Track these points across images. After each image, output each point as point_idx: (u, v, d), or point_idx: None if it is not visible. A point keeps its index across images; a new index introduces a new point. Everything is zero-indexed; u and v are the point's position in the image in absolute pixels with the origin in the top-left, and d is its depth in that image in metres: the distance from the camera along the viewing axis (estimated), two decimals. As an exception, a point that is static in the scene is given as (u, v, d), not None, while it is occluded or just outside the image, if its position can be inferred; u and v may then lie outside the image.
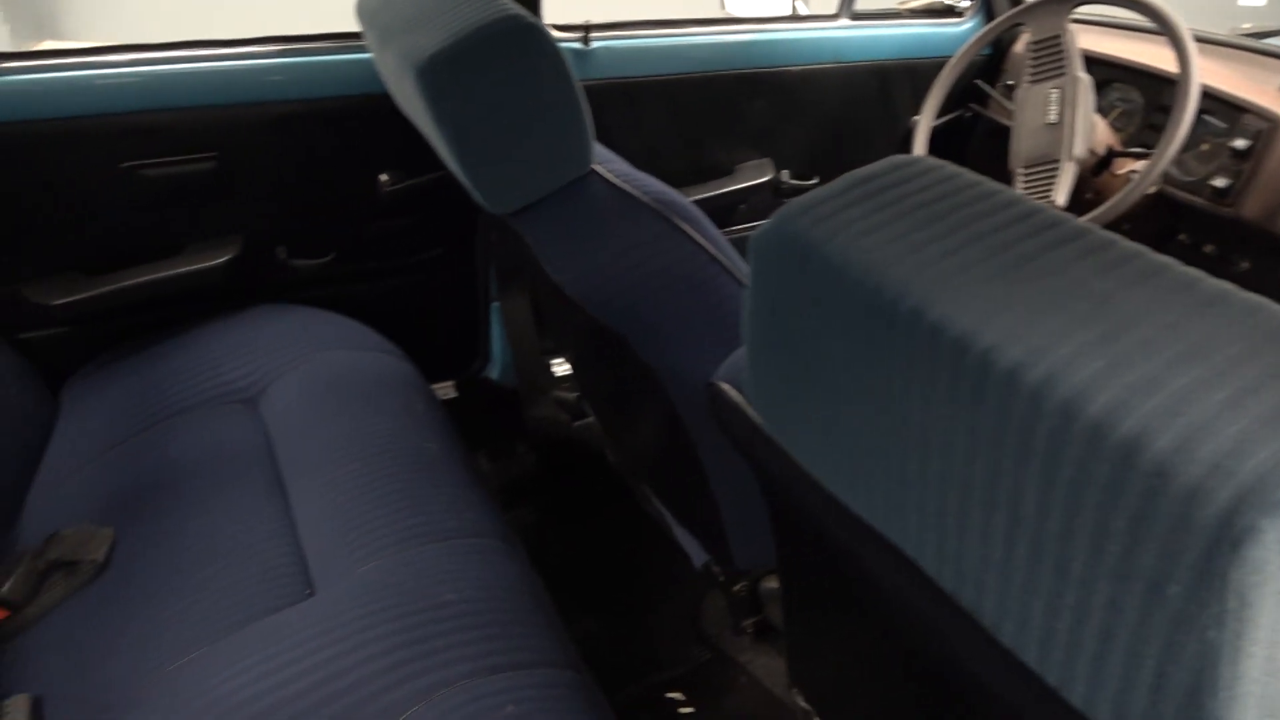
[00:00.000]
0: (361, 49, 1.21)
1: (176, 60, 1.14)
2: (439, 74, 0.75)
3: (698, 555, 1.10)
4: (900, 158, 0.45)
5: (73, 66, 1.09)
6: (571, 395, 1.45)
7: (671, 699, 1.11)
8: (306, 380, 1.11)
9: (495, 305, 1.44)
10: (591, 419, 1.43)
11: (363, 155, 1.24)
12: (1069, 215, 0.40)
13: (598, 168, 0.87)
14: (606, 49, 1.34)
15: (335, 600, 0.83)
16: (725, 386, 0.59)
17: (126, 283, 1.18)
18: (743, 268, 0.79)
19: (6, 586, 0.94)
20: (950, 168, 0.44)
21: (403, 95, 0.91)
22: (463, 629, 0.78)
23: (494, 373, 1.49)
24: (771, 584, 1.02)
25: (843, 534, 0.51)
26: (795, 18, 1.58)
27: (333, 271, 1.31)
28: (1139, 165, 1.34)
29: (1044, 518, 0.34)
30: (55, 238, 1.15)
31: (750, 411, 0.55)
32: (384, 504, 0.91)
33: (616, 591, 1.26)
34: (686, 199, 0.83)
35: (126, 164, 1.12)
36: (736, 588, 1.04)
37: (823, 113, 1.58)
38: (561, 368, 1.48)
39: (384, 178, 1.25)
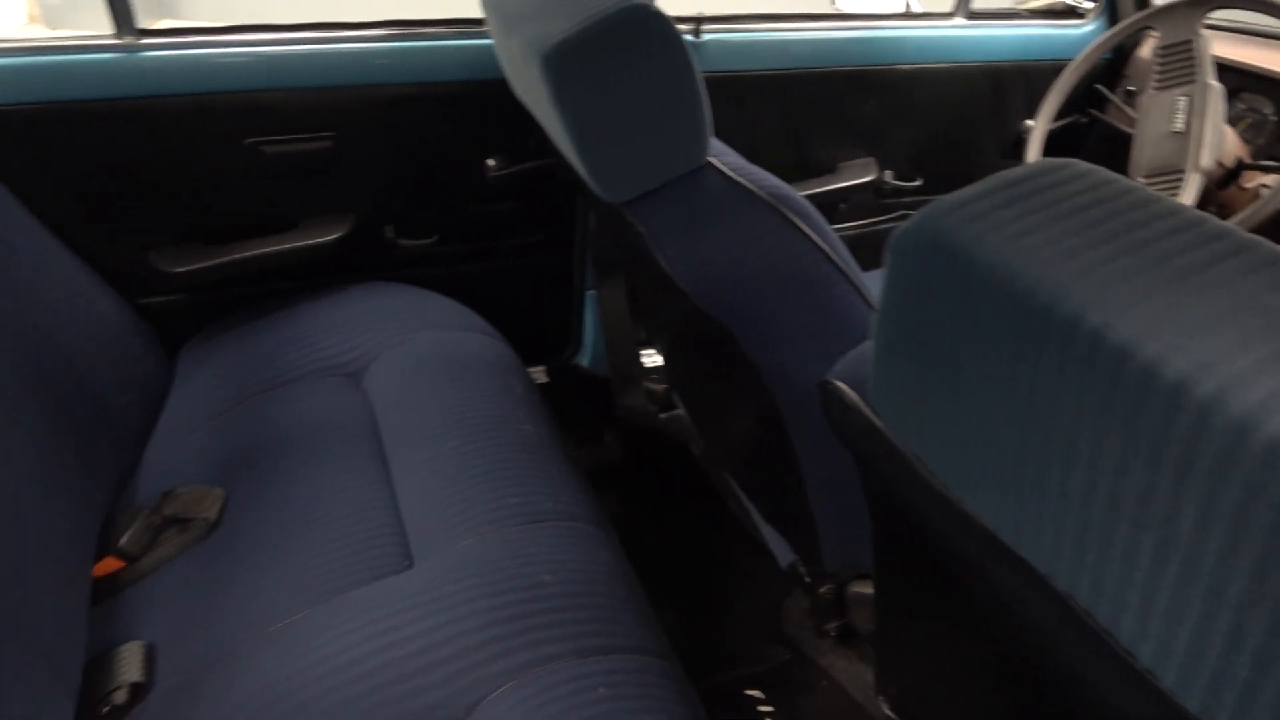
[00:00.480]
0: (474, 35, 1.23)
1: (297, 42, 1.17)
2: (565, 61, 0.76)
3: (784, 554, 1.09)
4: (1052, 160, 0.44)
5: (203, 45, 1.14)
6: (660, 387, 1.46)
7: (750, 695, 1.11)
8: (409, 357, 1.13)
9: (590, 293, 1.45)
10: (679, 411, 1.43)
11: (471, 139, 1.27)
12: (1234, 227, 0.39)
13: (713, 160, 0.87)
14: (717, 42, 1.34)
15: (434, 573, 0.85)
16: (841, 386, 0.58)
17: (243, 254, 1.22)
18: (855, 267, 0.78)
19: (124, 539, 0.99)
20: (1104, 173, 0.43)
21: (522, 81, 0.92)
22: (557, 610, 0.80)
23: (585, 360, 1.51)
24: (860, 588, 1.01)
25: (964, 543, 0.50)
26: (908, 15, 1.55)
27: (436, 252, 1.33)
28: (1270, 179, 1.28)
29: (1202, 539, 0.32)
30: (181, 208, 1.20)
31: (868, 413, 0.55)
32: (483, 482, 0.93)
33: (697, 585, 1.26)
34: (800, 194, 0.83)
35: (250, 140, 1.16)
36: (823, 589, 1.03)
37: (931, 114, 1.55)
38: (651, 359, 1.48)
39: (491, 162, 1.27)
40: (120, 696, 0.83)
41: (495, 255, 1.37)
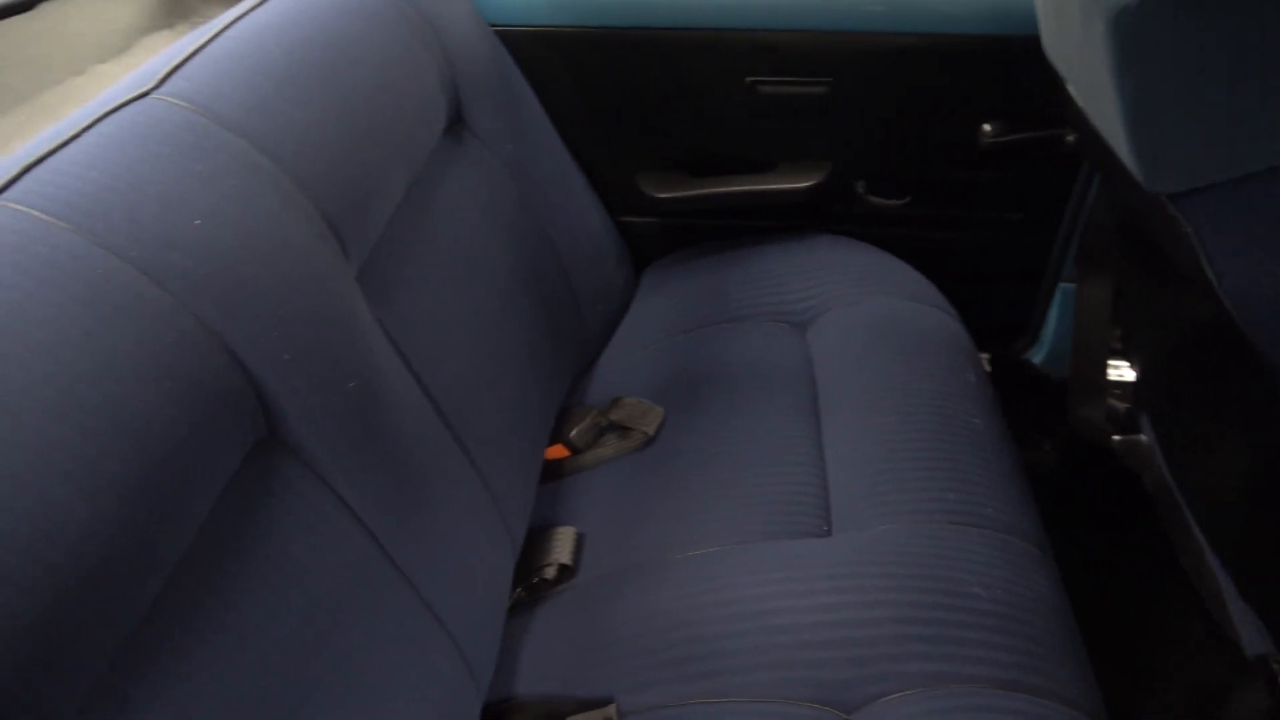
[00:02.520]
0: None
1: None
2: (1143, 23, 0.64)
3: (1255, 643, 0.90)
4: None
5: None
6: (1124, 405, 1.27)
7: (1173, 787, 0.95)
8: (860, 319, 1.10)
9: (1064, 286, 1.30)
10: (1141, 438, 1.24)
11: (969, 100, 1.17)
12: None
13: None
14: None
15: (854, 548, 0.81)
16: None
17: (720, 189, 1.26)
18: None
19: (574, 432, 1.08)
20: None
21: (1067, 40, 0.81)
22: (984, 629, 0.72)
23: (1037, 357, 1.37)
24: (1359, 714, 0.80)
25: None
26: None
27: (904, 214, 1.27)
28: None
29: None
30: (675, 138, 1.26)
31: None
32: (919, 468, 0.87)
33: (1121, 640, 1.10)
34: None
35: (750, 79, 1.18)
36: (1303, 700, 0.84)
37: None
38: (1119, 372, 1.30)
39: (987, 127, 1.17)
40: (550, 572, 0.92)
41: (967, 227, 1.28)
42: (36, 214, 0.52)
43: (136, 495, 0.48)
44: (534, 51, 1.18)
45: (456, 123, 1.01)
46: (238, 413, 0.57)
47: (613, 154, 1.28)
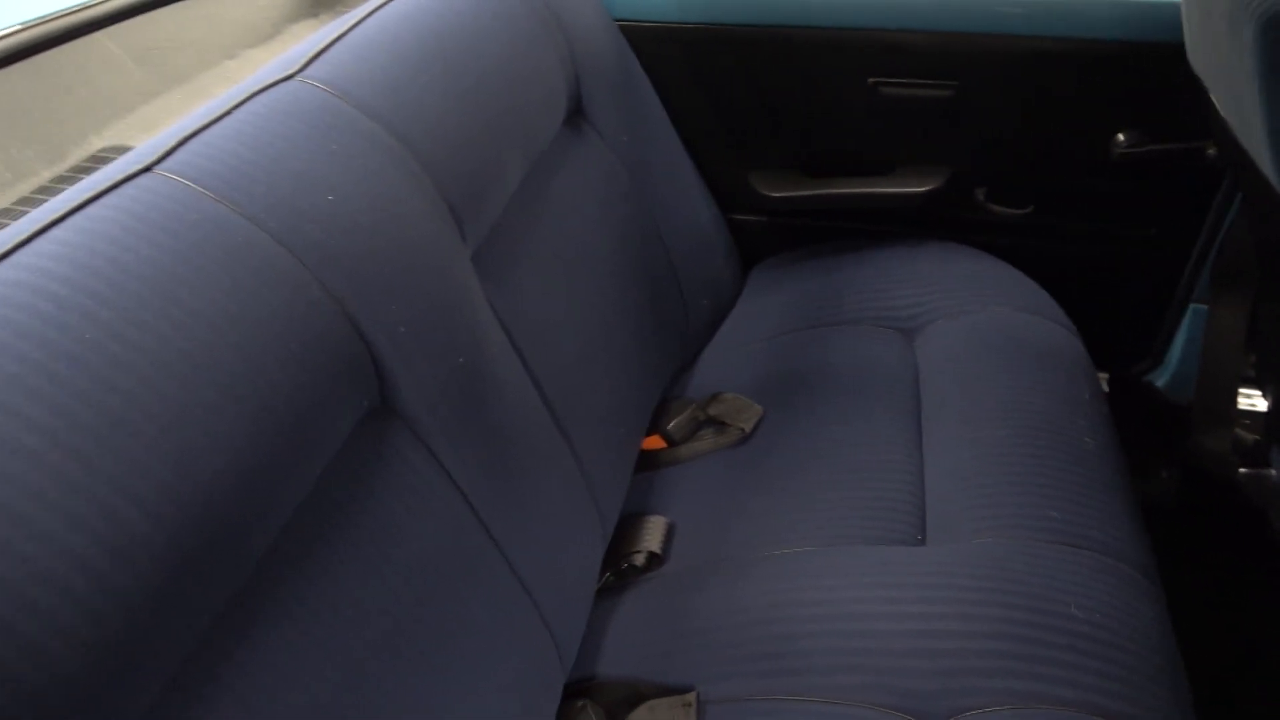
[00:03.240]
0: None
1: None
2: None
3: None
4: None
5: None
6: (1253, 437, 1.20)
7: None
8: (971, 328, 1.07)
9: (1194, 307, 1.23)
10: (1271, 472, 1.17)
11: (1103, 108, 1.13)
12: None
13: None
14: None
15: (948, 559, 0.80)
16: None
17: (835, 190, 1.25)
18: None
19: (671, 424, 1.09)
20: None
21: (1210, 46, 0.78)
22: (1078, 652, 0.70)
23: (1160, 380, 1.30)
24: None
25: None
26: None
27: (1026, 224, 1.23)
28: None
29: None
30: (791, 137, 1.26)
31: None
32: (1022, 483, 0.85)
33: (1228, 682, 1.05)
34: None
35: (873, 79, 1.17)
36: None
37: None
38: (1250, 402, 1.23)
39: (1121, 137, 1.12)
40: (639, 559, 0.94)
41: (1093, 240, 1.23)
42: (188, 183, 0.56)
43: (263, 452, 0.52)
44: (655, 46, 1.20)
45: (576, 114, 1.03)
46: (356, 380, 0.60)
47: (727, 151, 1.28)
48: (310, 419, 0.56)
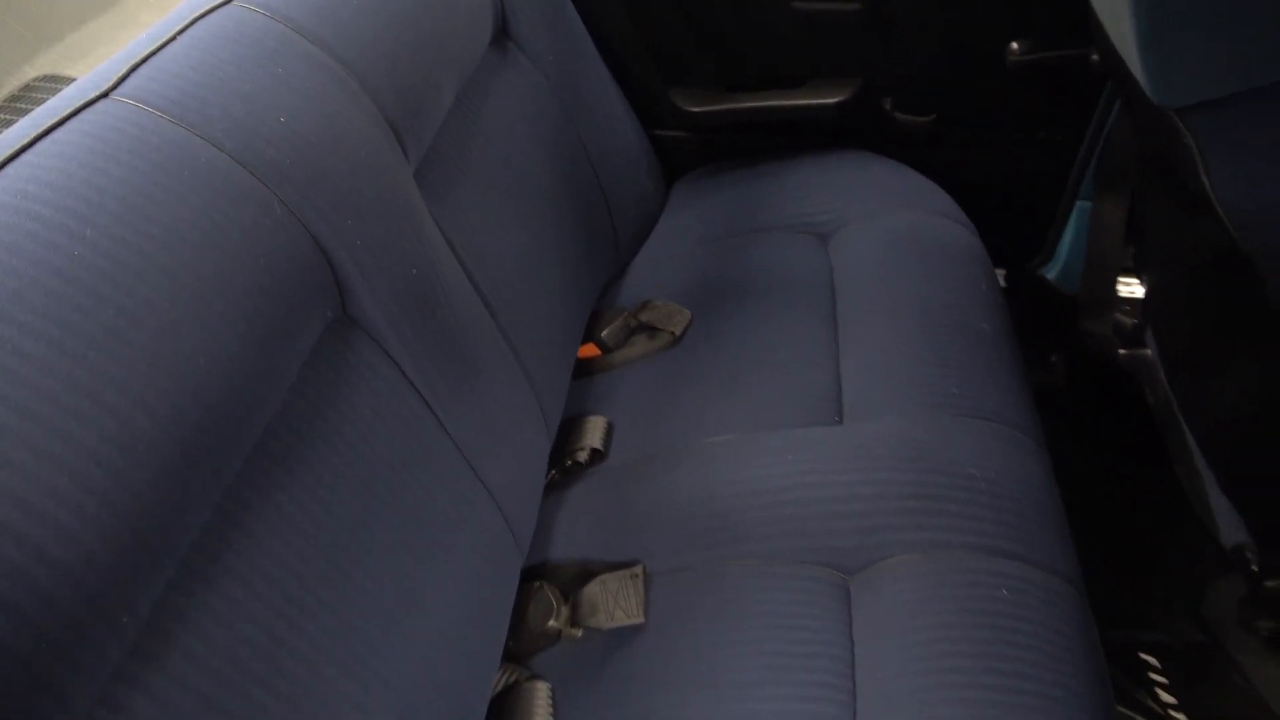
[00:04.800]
0: None
1: None
2: None
3: (1232, 533, 0.98)
4: None
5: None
6: (1131, 321, 1.33)
7: (1146, 661, 1.03)
8: (880, 231, 1.15)
9: (1079, 205, 1.34)
10: (1146, 352, 1.30)
11: (1001, 18, 1.20)
12: None
13: None
14: None
15: (863, 435, 0.89)
16: None
17: (753, 104, 1.30)
18: None
19: (605, 331, 1.16)
20: None
21: None
22: (976, 504, 0.80)
23: (1052, 273, 1.42)
24: (1321, 599, 0.88)
25: None
26: None
27: (928, 131, 1.31)
28: None
29: None
30: (711, 53, 1.30)
31: None
32: (928, 366, 0.94)
33: (1114, 536, 1.18)
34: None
35: None
36: (1270, 584, 0.92)
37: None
38: (1130, 289, 1.35)
39: (1015, 45, 1.20)
40: (582, 455, 1.01)
41: (989, 145, 1.31)
42: (146, 108, 0.59)
43: (242, 358, 0.56)
44: None
45: (502, 34, 1.06)
46: (319, 291, 0.65)
47: (649, 68, 1.32)
48: (281, 328, 0.60)
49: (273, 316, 0.59)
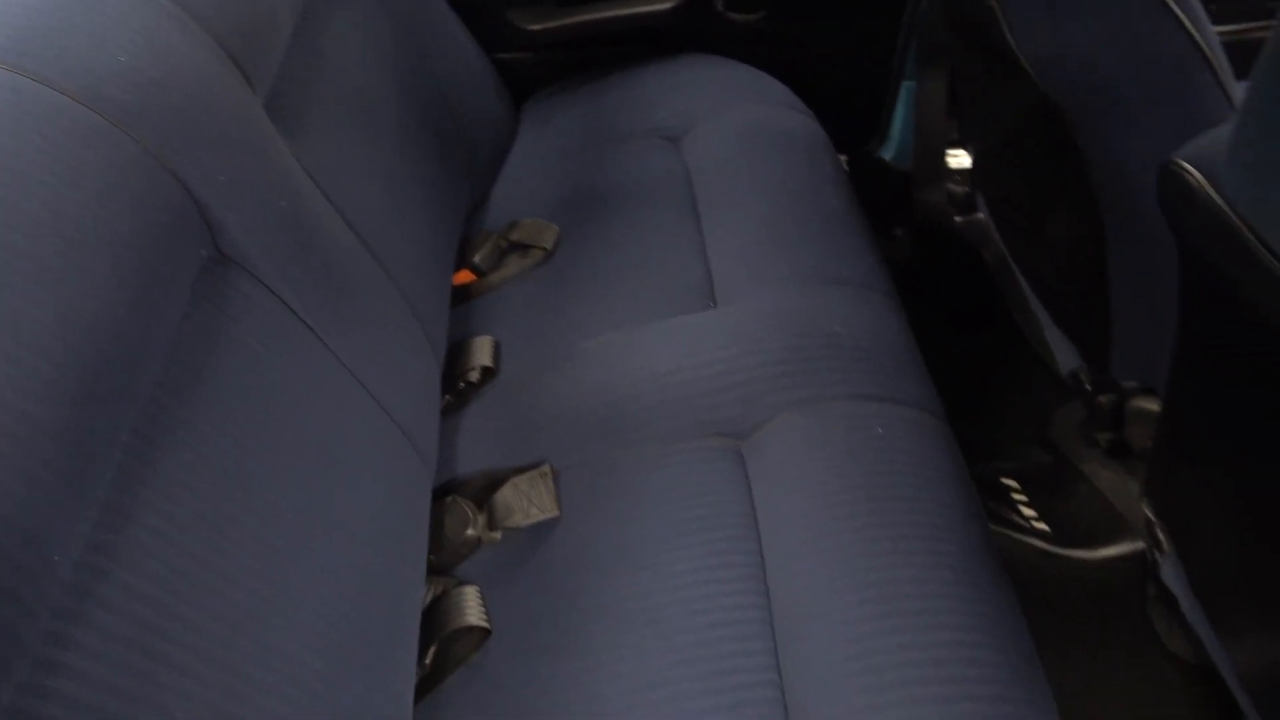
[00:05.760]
0: None
1: None
2: None
3: (1067, 360, 1.10)
4: None
5: None
6: (962, 189, 1.44)
7: (1007, 484, 1.16)
8: (727, 126, 1.21)
9: (906, 85, 1.43)
10: (979, 216, 1.42)
11: None
12: None
13: None
14: None
15: (736, 314, 0.95)
16: (1187, 168, 0.58)
17: (590, 16, 1.32)
18: (1228, 67, 0.73)
19: (477, 256, 1.17)
20: None
21: None
22: (844, 358, 0.88)
23: (888, 153, 1.51)
24: (1143, 403, 1.00)
25: None
26: None
27: (761, 28, 1.36)
28: None
29: None
30: None
31: (1216, 198, 0.54)
32: (787, 244, 1.01)
33: (968, 382, 1.30)
34: None
35: None
36: (1102, 399, 1.04)
37: None
38: (958, 160, 1.46)
39: (831, -63, 1.26)
40: (474, 375, 1.03)
41: (819, 36, 1.38)
42: None
43: (125, 300, 0.56)
44: None
45: (331, -38, 1.04)
46: (187, 229, 0.64)
47: None
48: (155, 267, 0.60)
49: (145, 255, 0.59)
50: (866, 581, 0.72)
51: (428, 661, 0.80)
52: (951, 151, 1.44)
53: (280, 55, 0.86)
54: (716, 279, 1.01)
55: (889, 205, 1.50)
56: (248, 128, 0.73)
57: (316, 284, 0.76)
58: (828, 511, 0.77)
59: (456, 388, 1.03)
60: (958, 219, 1.44)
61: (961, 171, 1.45)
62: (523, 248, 1.17)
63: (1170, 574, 0.86)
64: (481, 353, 1.04)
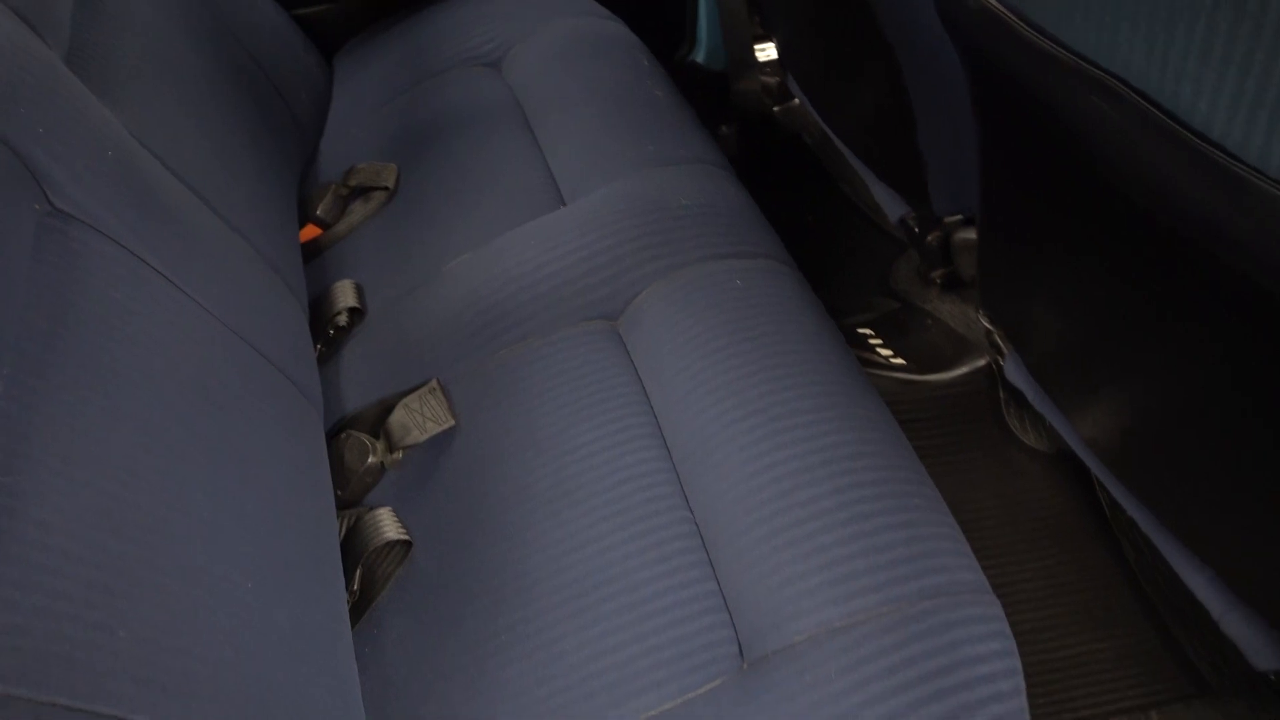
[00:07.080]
0: None
1: None
2: None
3: (895, 210, 1.19)
4: None
5: None
6: (774, 80, 1.51)
7: (862, 334, 1.25)
8: (542, 43, 1.23)
9: (706, -11, 1.49)
10: (794, 102, 1.50)
11: None
12: None
13: None
14: None
15: (586, 208, 0.99)
16: None
17: None
18: None
19: (320, 208, 1.16)
20: None
21: None
22: (695, 226, 0.93)
23: (700, 56, 1.57)
24: (965, 234, 1.11)
25: (1057, 85, 0.58)
26: None
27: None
28: None
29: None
30: None
31: None
32: (623, 136, 1.05)
33: (811, 254, 1.39)
34: None
35: None
36: (930, 238, 1.14)
37: None
38: (766, 54, 1.53)
39: None
40: (342, 319, 1.03)
41: None
42: None
43: None
44: None
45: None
46: (16, 185, 0.62)
47: None
48: None
49: None
50: (753, 409, 0.78)
51: (356, 587, 0.81)
52: (759, 46, 1.52)
53: (67, 16, 0.82)
54: (561, 181, 1.05)
55: (710, 106, 1.56)
56: (54, 80, 0.71)
57: (165, 238, 0.75)
58: (705, 360, 0.83)
59: (327, 335, 1.03)
60: (776, 109, 1.52)
61: (770, 63, 1.52)
62: (364, 191, 1.16)
63: (1014, 371, 0.96)
64: (345, 296, 1.04)
